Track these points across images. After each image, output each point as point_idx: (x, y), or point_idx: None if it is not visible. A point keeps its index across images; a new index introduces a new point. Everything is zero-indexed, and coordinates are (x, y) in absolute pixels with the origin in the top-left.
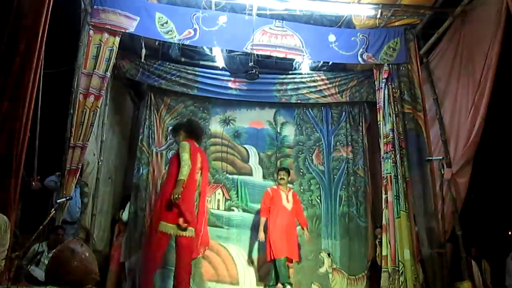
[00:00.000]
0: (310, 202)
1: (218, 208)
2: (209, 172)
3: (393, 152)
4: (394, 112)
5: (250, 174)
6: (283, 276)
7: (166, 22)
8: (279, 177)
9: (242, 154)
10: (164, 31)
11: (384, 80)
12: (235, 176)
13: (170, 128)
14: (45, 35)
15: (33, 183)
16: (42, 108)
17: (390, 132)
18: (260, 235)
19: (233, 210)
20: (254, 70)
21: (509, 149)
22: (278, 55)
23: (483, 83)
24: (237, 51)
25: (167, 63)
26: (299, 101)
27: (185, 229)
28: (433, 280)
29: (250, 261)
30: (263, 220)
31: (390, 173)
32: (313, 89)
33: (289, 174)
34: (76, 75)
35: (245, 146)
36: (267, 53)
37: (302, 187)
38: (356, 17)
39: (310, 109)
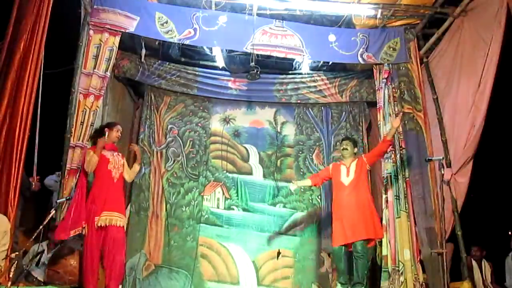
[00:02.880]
0: (310, 201)
1: (218, 207)
2: (209, 171)
3: (393, 152)
4: (394, 112)
5: (250, 173)
6: (338, 272)
7: (166, 22)
8: (342, 148)
9: (242, 153)
10: (164, 30)
11: (384, 80)
12: (235, 175)
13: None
14: (45, 35)
15: (33, 183)
16: (42, 108)
17: None
18: (292, 183)
19: (233, 209)
20: (255, 70)
21: (509, 149)
22: (278, 55)
23: (483, 83)
24: (237, 51)
25: (167, 63)
26: (299, 101)
27: None
28: (433, 280)
29: (251, 260)
30: (306, 181)
31: (390, 173)
32: (313, 89)
33: (354, 145)
34: (76, 75)
35: (245, 145)
36: (267, 53)
37: (302, 187)
38: (356, 17)
39: (310, 109)
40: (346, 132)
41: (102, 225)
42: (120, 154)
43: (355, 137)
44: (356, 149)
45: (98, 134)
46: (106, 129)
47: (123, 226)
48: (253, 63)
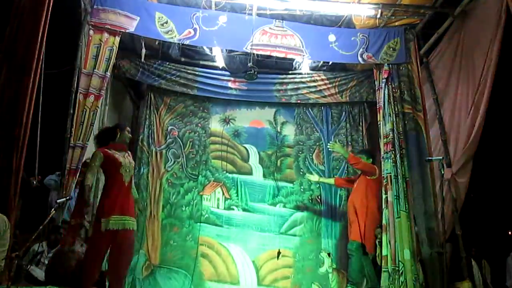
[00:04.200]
0: (310, 201)
1: (218, 207)
2: (208, 171)
3: (393, 152)
4: (394, 112)
5: (250, 173)
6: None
7: (166, 22)
8: None
9: (242, 153)
10: (164, 31)
11: (384, 80)
12: (235, 175)
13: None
14: (45, 35)
15: (33, 182)
16: (42, 108)
17: (390, 132)
18: (313, 175)
19: (233, 209)
20: (252, 70)
21: (509, 149)
22: (278, 55)
23: (483, 83)
24: (237, 51)
25: (167, 63)
26: (299, 101)
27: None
28: (433, 280)
29: (251, 260)
30: (330, 180)
31: (390, 173)
32: (313, 89)
33: (367, 157)
34: (76, 75)
35: (245, 145)
36: (267, 53)
37: (302, 187)
38: (356, 17)
39: (310, 109)
40: (346, 132)
41: (114, 229)
42: (130, 155)
43: (355, 136)
44: (371, 160)
45: (108, 135)
46: (117, 129)
47: (134, 229)
48: (251, 63)
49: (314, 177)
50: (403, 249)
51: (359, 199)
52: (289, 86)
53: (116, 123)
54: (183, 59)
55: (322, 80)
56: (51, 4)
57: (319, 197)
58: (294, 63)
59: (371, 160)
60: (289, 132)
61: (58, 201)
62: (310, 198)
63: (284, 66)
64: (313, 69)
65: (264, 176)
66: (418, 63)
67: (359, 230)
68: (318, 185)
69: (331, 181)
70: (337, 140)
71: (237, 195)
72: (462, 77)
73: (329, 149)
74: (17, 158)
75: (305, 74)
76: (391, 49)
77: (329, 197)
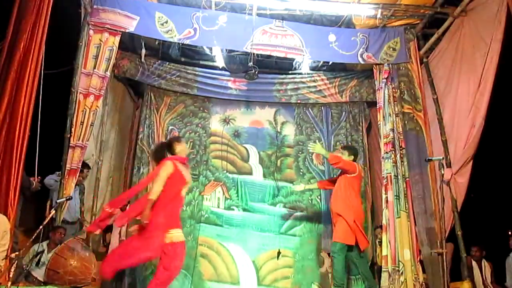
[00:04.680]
0: (310, 202)
1: (218, 207)
2: (209, 170)
3: (393, 152)
4: (394, 112)
5: (250, 173)
6: None
7: (166, 22)
8: None
9: (242, 153)
10: (164, 30)
11: (384, 80)
12: (235, 175)
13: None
14: (45, 35)
15: (34, 183)
16: (42, 108)
17: (390, 132)
18: (299, 185)
19: (233, 210)
20: (253, 70)
21: (509, 149)
22: (278, 55)
23: (483, 83)
24: (237, 51)
25: (167, 63)
26: (299, 101)
27: None
28: (433, 280)
29: (251, 260)
30: (314, 185)
31: (390, 173)
32: (313, 89)
33: (350, 153)
34: (76, 75)
35: (245, 145)
36: (267, 53)
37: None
38: (356, 17)
39: (310, 109)
40: (346, 132)
41: (171, 242)
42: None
43: (355, 136)
44: (352, 157)
45: (164, 151)
46: (175, 143)
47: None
48: (252, 63)
49: (300, 187)
50: (403, 249)
51: (342, 199)
52: (289, 86)
53: (169, 137)
54: (183, 59)
55: (322, 80)
56: (51, 4)
57: (319, 197)
58: (294, 63)
59: (352, 157)
60: (289, 132)
61: (58, 201)
62: (310, 198)
63: (284, 66)
64: (313, 69)
65: (264, 176)
66: (418, 63)
67: (342, 231)
68: None
69: (315, 186)
70: (318, 143)
71: (237, 195)
72: (462, 77)
73: (310, 151)
74: (17, 158)
75: (305, 74)
76: (391, 49)
77: (329, 197)
